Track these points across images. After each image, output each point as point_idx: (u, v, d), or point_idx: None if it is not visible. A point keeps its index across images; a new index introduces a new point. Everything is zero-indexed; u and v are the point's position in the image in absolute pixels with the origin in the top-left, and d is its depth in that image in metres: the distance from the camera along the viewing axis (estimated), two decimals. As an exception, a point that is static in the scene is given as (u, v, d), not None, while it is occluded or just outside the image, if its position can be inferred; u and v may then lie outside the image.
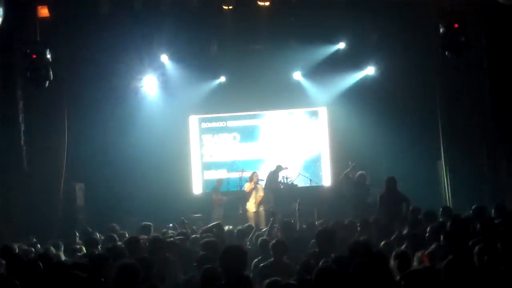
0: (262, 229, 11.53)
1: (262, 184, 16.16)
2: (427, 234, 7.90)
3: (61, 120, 15.03)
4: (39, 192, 14.40)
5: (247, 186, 16.08)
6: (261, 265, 7.36)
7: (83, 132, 15.81)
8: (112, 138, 16.54)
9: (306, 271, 6.09)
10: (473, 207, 10.09)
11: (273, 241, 7.83)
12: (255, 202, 15.89)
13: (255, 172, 16.29)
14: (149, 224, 10.98)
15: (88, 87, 15.68)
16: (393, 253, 6.39)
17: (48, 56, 12.02)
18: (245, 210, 16.09)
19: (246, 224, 11.64)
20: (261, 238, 9.03)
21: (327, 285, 5.21)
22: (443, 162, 15.08)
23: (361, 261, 5.53)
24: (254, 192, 15.94)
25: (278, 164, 16.39)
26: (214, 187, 16.79)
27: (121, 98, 16.75)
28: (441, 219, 9.50)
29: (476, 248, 6.32)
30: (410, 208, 11.26)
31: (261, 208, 15.81)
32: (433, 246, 7.34)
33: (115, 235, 10.15)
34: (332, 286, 5.22)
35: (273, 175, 16.24)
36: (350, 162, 15.96)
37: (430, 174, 15.83)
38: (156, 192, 16.61)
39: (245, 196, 16.11)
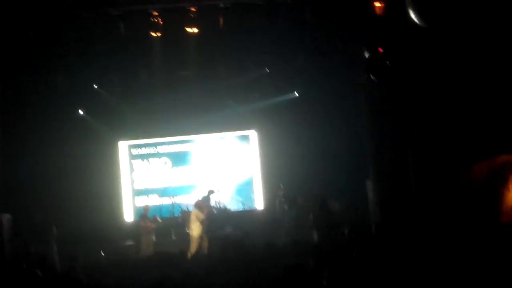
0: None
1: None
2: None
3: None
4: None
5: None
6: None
7: (10, 161, 15.40)
8: (41, 166, 16.19)
9: None
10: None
11: None
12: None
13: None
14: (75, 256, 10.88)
15: (18, 113, 15.37)
16: None
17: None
18: (180, 236, 15.91)
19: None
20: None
21: None
22: (372, 180, 15.41)
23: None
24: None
25: (209, 189, 16.37)
26: (142, 214, 16.50)
27: (51, 125, 16.44)
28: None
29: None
30: None
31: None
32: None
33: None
34: None
35: (205, 200, 16.21)
36: (280, 185, 16.19)
37: (359, 192, 16.11)
38: (87, 220, 16.27)
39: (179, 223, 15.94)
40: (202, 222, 15.25)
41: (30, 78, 15.31)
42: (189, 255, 11.59)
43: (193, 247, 14.48)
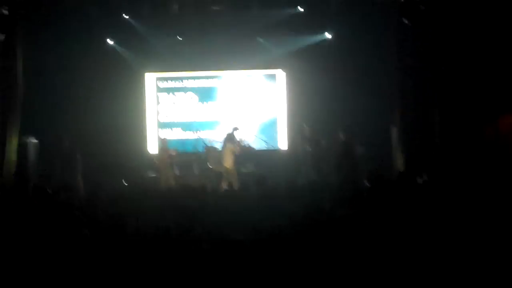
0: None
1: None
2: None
3: (16, 76, 14.71)
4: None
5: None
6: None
7: (37, 87, 15.52)
8: (67, 94, 16.29)
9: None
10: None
11: None
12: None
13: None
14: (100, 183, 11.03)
15: (44, 41, 15.40)
16: None
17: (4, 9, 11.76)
18: (202, 171, 16.05)
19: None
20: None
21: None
22: (397, 126, 15.32)
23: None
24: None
25: (234, 126, 16.41)
26: (159, 147, 16.60)
27: (80, 53, 16.46)
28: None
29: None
30: None
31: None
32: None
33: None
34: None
35: (230, 137, 16.24)
36: (304, 125, 16.22)
37: (384, 138, 16.05)
38: (110, 150, 16.47)
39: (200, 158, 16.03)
40: (234, 157, 15.34)
41: (59, 6, 15.25)
42: (209, 189, 11.68)
43: (224, 181, 14.65)
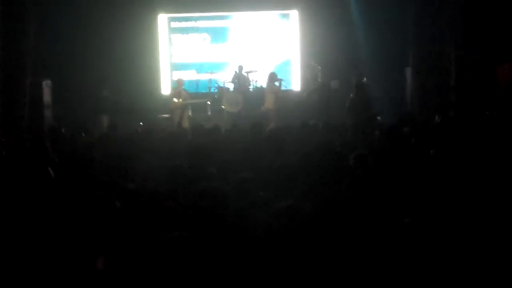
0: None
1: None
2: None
3: (26, 16, 14.64)
4: (5, 88, 14.21)
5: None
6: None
7: (49, 28, 15.46)
8: (80, 35, 16.22)
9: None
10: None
11: None
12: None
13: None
14: (115, 124, 11.10)
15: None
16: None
17: None
18: (214, 113, 16.07)
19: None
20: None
21: None
22: (411, 68, 15.21)
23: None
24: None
25: (239, 64, 16.41)
26: (173, 88, 16.54)
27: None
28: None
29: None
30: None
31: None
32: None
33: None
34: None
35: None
36: (317, 65, 16.22)
37: (398, 80, 15.95)
38: (123, 91, 16.49)
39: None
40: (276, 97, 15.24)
41: None
42: (222, 130, 11.75)
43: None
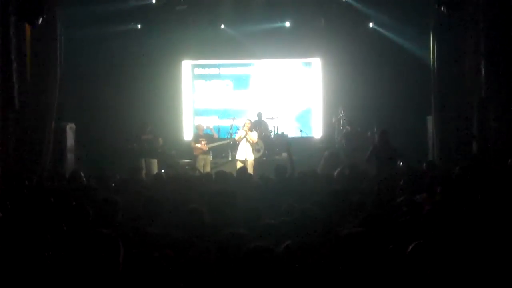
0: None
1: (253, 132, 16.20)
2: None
3: (54, 60, 14.92)
4: (30, 130, 14.39)
5: (238, 134, 15.67)
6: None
7: (75, 73, 15.72)
8: (104, 80, 16.48)
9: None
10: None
11: None
12: (245, 151, 15.77)
13: (248, 120, 15.75)
14: (139, 167, 11.15)
15: (82, 27, 15.56)
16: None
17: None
18: (234, 158, 16.08)
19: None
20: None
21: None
22: (433, 117, 15.18)
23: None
24: (244, 140, 15.39)
25: (258, 112, 16.50)
26: (195, 134, 16.63)
27: (115, 39, 16.62)
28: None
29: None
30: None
31: (251, 158, 15.57)
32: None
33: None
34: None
35: (265, 125, 16.30)
36: (339, 110, 16.32)
37: (420, 128, 15.93)
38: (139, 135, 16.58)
39: (235, 144, 16.01)
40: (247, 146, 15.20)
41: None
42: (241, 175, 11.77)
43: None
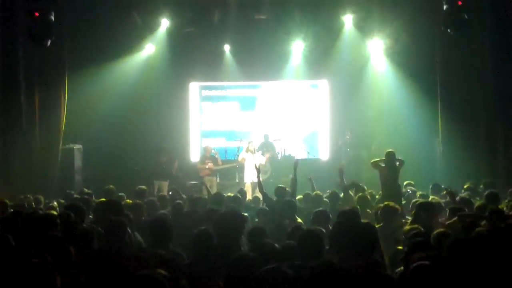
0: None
1: (258, 154, 16.17)
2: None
3: (61, 81, 15.02)
4: (37, 151, 14.47)
5: (241, 156, 15.80)
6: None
7: (82, 94, 15.77)
8: (111, 101, 16.50)
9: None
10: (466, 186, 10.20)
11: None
12: (252, 173, 15.70)
13: (251, 142, 15.88)
14: (144, 189, 11.13)
15: (89, 48, 15.67)
16: None
17: (51, 15, 12.02)
18: (242, 180, 16.06)
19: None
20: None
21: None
22: (440, 139, 15.16)
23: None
24: (250, 163, 15.55)
25: (276, 136, 16.50)
26: (202, 155, 16.64)
27: (122, 61, 16.70)
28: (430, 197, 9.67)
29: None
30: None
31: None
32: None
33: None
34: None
35: (272, 146, 16.28)
36: (346, 132, 16.31)
37: (427, 150, 15.89)
38: (154, 158, 16.59)
39: (241, 166, 16.01)
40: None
41: (101, 12, 15.52)
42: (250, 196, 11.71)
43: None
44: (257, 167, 10.51)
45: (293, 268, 4.04)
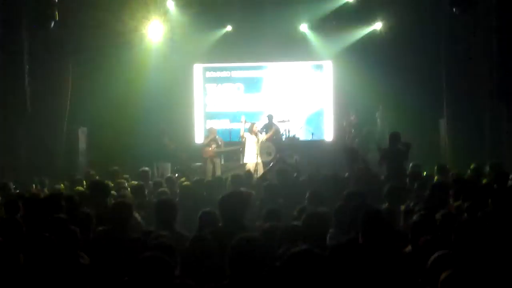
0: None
1: (262, 135, 16.15)
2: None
3: (65, 63, 15.01)
4: (42, 134, 14.49)
5: (242, 132, 15.57)
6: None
7: (86, 76, 15.75)
8: (115, 84, 16.46)
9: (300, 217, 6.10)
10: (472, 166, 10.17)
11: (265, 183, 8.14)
12: (256, 154, 15.67)
13: (254, 123, 15.69)
14: (147, 171, 11.18)
15: (93, 31, 15.60)
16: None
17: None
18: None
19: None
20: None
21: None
22: (445, 120, 15.12)
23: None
24: (254, 143, 15.35)
25: (280, 117, 16.47)
26: (206, 136, 16.61)
27: (125, 43, 16.60)
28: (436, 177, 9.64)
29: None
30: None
31: (260, 160, 15.50)
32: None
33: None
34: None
35: (276, 127, 16.24)
36: (351, 115, 16.28)
37: (432, 131, 15.87)
38: (158, 140, 16.63)
39: (244, 147, 15.96)
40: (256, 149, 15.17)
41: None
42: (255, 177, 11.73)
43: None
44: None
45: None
